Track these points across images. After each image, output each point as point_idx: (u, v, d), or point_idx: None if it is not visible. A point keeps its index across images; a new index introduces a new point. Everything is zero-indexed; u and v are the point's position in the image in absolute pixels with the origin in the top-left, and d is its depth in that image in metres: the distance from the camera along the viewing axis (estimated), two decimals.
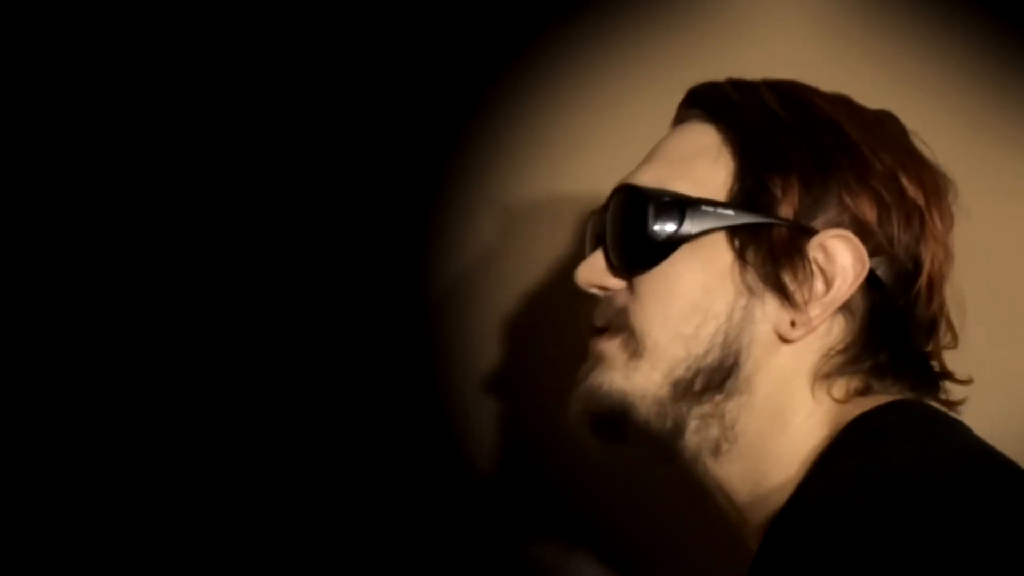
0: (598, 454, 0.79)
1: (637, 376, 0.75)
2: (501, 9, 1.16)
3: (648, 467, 0.80)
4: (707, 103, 0.79)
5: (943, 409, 0.74)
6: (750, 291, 0.73)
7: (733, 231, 0.74)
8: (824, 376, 0.74)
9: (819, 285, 0.72)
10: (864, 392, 0.74)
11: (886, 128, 0.78)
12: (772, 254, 0.72)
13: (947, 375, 0.78)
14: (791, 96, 0.77)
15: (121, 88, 1.19)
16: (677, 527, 1.08)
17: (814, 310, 0.72)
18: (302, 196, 1.18)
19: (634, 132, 0.85)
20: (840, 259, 0.72)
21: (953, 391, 0.79)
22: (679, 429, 0.74)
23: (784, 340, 0.73)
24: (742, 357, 0.73)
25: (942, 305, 0.76)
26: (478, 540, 1.15)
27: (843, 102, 0.78)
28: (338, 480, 1.16)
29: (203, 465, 1.17)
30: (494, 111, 1.15)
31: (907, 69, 1.05)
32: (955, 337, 0.78)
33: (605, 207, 0.79)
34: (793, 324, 0.73)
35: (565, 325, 0.88)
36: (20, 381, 1.17)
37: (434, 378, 1.17)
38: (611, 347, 0.77)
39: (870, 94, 0.81)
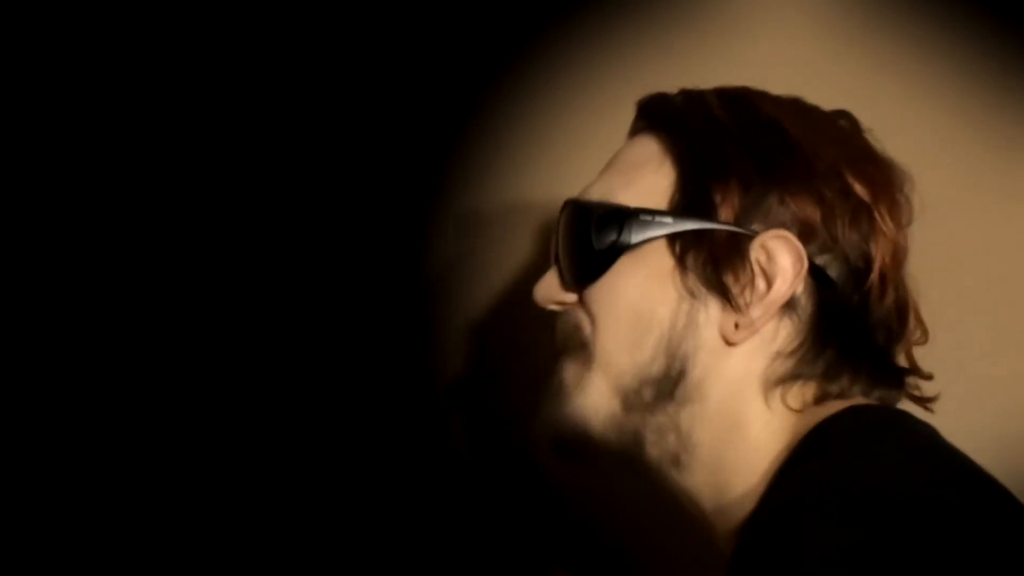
0: (571, 479, 0.79)
1: (588, 391, 0.76)
2: (502, 9, 1.16)
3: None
4: (652, 114, 0.80)
5: (904, 411, 0.73)
6: (692, 295, 0.73)
7: (674, 238, 0.74)
8: (776, 382, 0.73)
9: (760, 285, 0.72)
10: (821, 400, 0.74)
11: (836, 126, 0.78)
12: (713, 258, 0.73)
13: (913, 371, 0.77)
14: (736, 101, 0.77)
15: (120, 88, 1.19)
16: (677, 527, 1.08)
17: (756, 311, 0.72)
18: (292, 198, 1.18)
19: None
20: (780, 259, 0.72)
21: (926, 388, 0.78)
22: (638, 442, 0.75)
23: (729, 343, 0.73)
24: (689, 364, 0.73)
25: (900, 300, 0.76)
26: (472, 539, 1.15)
27: (792, 103, 0.79)
28: (336, 483, 1.16)
29: (190, 460, 1.16)
30: (493, 112, 1.15)
31: (907, 69, 1.05)
32: (924, 332, 0.78)
33: (558, 223, 0.80)
34: (737, 326, 0.72)
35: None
36: (20, 381, 1.17)
37: (434, 378, 1.17)
38: (567, 375, 0.78)
39: (870, 94, 0.81)
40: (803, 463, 0.67)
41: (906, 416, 0.72)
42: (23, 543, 1.15)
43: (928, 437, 0.70)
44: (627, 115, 0.83)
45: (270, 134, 1.18)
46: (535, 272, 0.83)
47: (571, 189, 0.81)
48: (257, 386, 1.17)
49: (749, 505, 0.70)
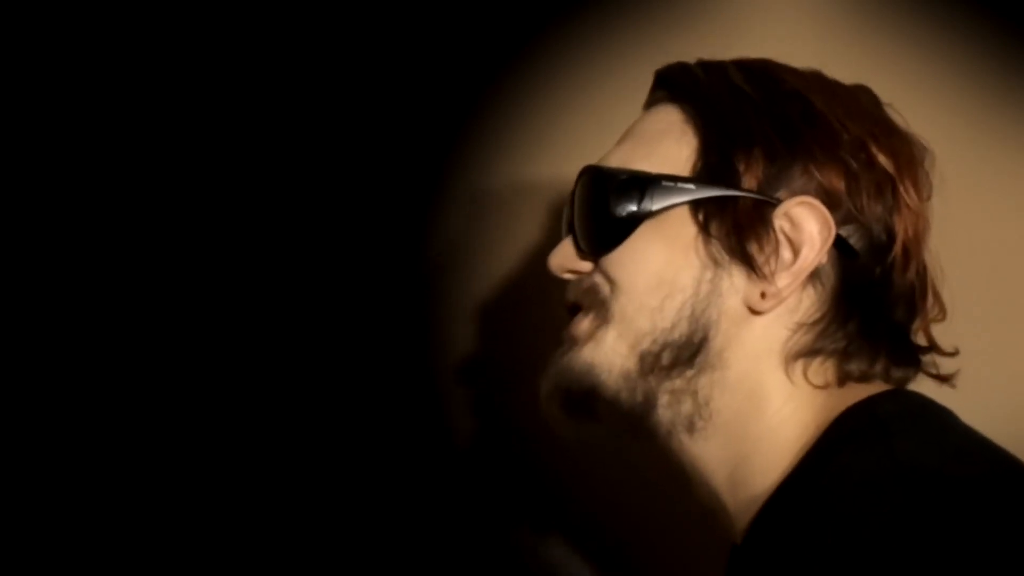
0: (572, 434, 0.79)
1: (603, 346, 0.75)
2: (504, 8, 1.16)
3: (642, 459, 0.79)
4: (672, 84, 0.79)
5: (929, 398, 0.73)
6: (716, 264, 0.73)
7: (696, 206, 0.74)
8: (797, 355, 0.73)
9: (786, 254, 0.72)
10: (843, 378, 0.73)
11: (857, 100, 0.77)
12: (737, 226, 0.72)
13: (933, 348, 0.77)
14: (758, 72, 0.77)
15: (119, 88, 1.20)
16: (677, 527, 1.08)
17: (783, 280, 0.72)
18: (297, 180, 1.18)
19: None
20: (807, 226, 0.72)
21: (943, 365, 0.78)
22: (649, 404, 0.74)
23: (754, 312, 0.73)
24: (711, 331, 0.73)
25: (921, 275, 0.76)
26: (471, 538, 1.15)
27: (813, 76, 0.78)
28: (335, 474, 1.16)
29: (190, 458, 1.16)
30: (494, 110, 1.16)
31: (907, 69, 1.05)
32: (943, 309, 0.78)
33: (573, 192, 0.79)
34: (763, 295, 0.72)
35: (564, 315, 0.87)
36: (20, 381, 1.17)
37: (436, 365, 1.17)
38: (581, 328, 0.77)
39: None
40: (838, 450, 0.66)
41: (932, 402, 0.72)
42: (23, 543, 1.15)
43: (958, 424, 0.70)
44: (628, 112, 0.83)
45: (276, 119, 1.18)
46: (541, 254, 0.83)
47: (575, 176, 0.81)
48: (259, 371, 1.17)
49: (770, 481, 0.70)
